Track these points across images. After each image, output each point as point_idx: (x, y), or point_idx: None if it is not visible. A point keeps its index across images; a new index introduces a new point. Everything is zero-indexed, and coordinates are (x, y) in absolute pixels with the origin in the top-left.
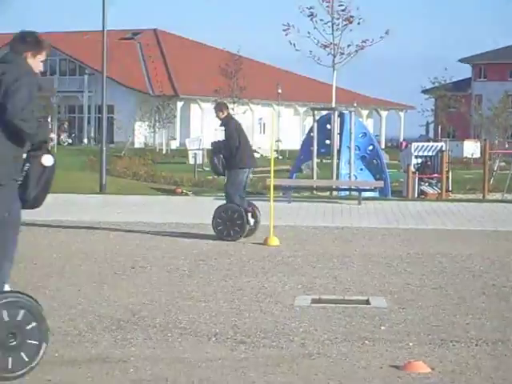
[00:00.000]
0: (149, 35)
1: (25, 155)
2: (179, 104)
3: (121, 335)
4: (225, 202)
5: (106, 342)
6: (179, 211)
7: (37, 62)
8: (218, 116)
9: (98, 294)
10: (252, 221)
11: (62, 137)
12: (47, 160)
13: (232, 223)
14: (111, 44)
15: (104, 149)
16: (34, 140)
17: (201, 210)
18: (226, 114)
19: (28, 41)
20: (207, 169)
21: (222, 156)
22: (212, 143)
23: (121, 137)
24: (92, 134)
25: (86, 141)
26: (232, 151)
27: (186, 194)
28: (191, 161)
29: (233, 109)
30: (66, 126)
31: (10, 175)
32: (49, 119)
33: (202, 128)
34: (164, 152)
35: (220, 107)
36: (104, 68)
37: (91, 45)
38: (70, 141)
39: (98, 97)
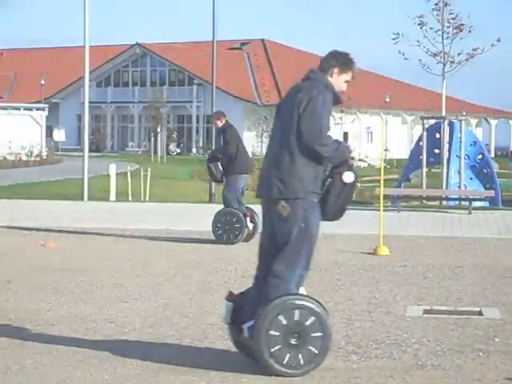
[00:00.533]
0: (256, 45)
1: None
2: None
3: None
4: (223, 206)
5: (220, 351)
6: None
7: (340, 81)
8: (215, 124)
9: (209, 302)
10: (251, 225)
11: (170, 147)
12: (348, 177)
13: (231, 227)
14: (220, 54)
15: None
16: (333, 162)
17: None
18: (223, 122)
19: (338, 58)
20: None
21: (219, 163)
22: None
23: None
24: (200, 144)
25: (194, 150)
26: (231, 157)
27: None
28: None
29: (341, 118)
30: (174, 136)
31: (307, 189)
32: (158, 129)
33: None
34: None
35: (218, 116)
36: (213, 78)
37: (200, 55)
38: (179, 150)
39: (206, 107)
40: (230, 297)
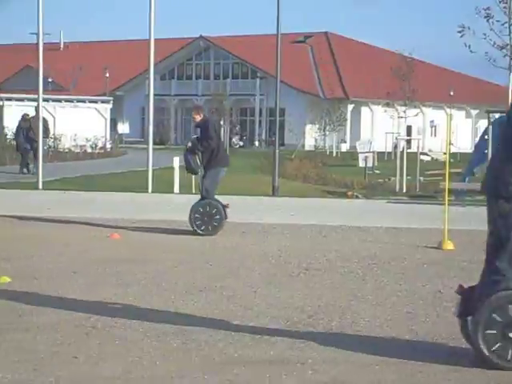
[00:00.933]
0: (320, 38)
1: None
2: (349, 107)
3: (297, 337)
4: (200, 198)
5: (283, 344)
6: (350, 214)
7: None
8: (194, 118)
9: (273, 295)
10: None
11: (233, 139)
12: None
13: (210, 218)
14: (283, 47)
15: (277, 151)
16: None
17: (372, 213)
18: (202, 116)
19: None
20: (378, 172)
21: (196, 156)
22: (190, 142)
23: (291, 139)
24: (263, 137)
25: (257, 143)
26: (213, 151)
27: (357, 197)
28: (361, 163)
29: (404, 111)
30: (237, 129)
31: None
32: (221, 122)
33: (373, 131)
34: (334, 155)
35: (197, 111)
36: (278, 72)
37: (263, 48)
38: (242, 143)
39: (269, 100)
40: (460, 289)
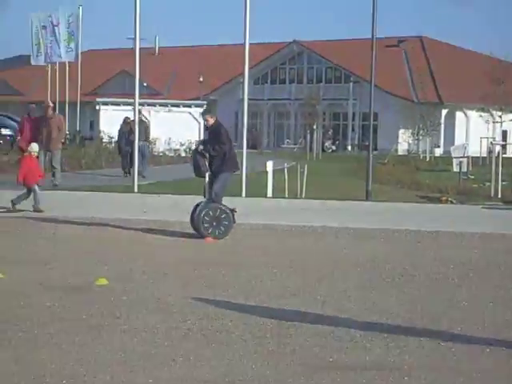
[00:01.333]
0: (414, 42)
1: None
2: (443, 111)
3: (393, 342)
4: (205, 201)
5: (378, 349)
6: (444, 219)
7: None
8: (207, 121)
9: (368, 300)
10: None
11: (326, 144)
12: None
13: (218, 223)
14: (376, 52)
15: (371, 156)
16: None
17: (466, 218)
18: (214, 119)
19: None
20: (472, 177)
21: (205, 159)
22: (200, 144)
23: (384, 144)
24: (356, 141)
25: (349, 148)
26: (225, 155)
27: (452, 202)
28: (455, 168)
29: (500, 116)
30: (330, 133)
31: None
32: (314, 126)
33: (468, 135)
34: (427, 159)
35: (211, 114)
36: (372, 76)
37: (356, 52)
38: (334, 148)
39: (362, 104)
40: None
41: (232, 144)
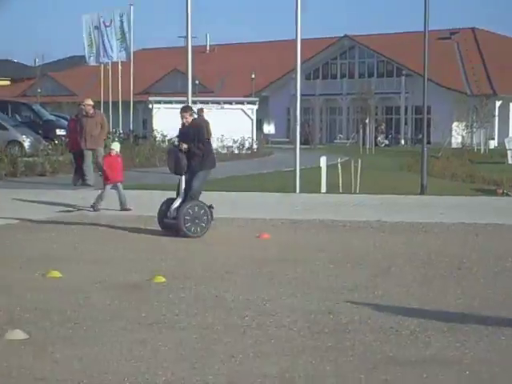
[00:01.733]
0: (466, 34)
1: None
2: (497, 103)
3: (453, 336)
4: (181, 198)
5: (438, 344)
6: (501, 212)
7: None
8: (186, 118)
9: (426, 294)
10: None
11: (379, 138)
12: None
13: (199, 220)
14: (429, 44)
15: (425, 149)
16: None
17: None
18: (192, 116)
19: None
20: None
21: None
22: (176, 141)
23: (438, 137)
24: (409, 135)
25: (402, 142)
26: (204, 153)
27: (507, 195)
28: (510, 161)
29: None
30: (383, 128)
31: None
32: (366, 121)
33: None
34: (482, 152)
35: (191, 111)
36: (425, 69)
37: (408, 46)
38: (387, 142)
39: (415, 98)
40: None
41: (210, 142)
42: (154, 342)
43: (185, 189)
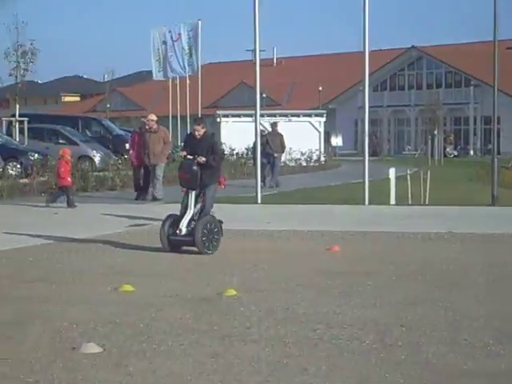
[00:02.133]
0: None
1: None
2: None
3: None
4: (190, 214)
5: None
6: None
7: None
8: (197, 131)
9: (498, 306)
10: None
11: (447, 149)
12: None
13: (213, 236)
14: (498, 54)
15: (496, 160)
16: None
17: None
18: (205, 129)
19: None
20: None
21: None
22: (191, 154)
23: (508, 147)
24: (478, 146)
25: (471, 152)
26: (218, 166)
27: None
28: None
29: None
30: (451, 139)
31: None
32: (435, 132)
33: None
34: None
35: (201, 124)
36: (495, 79)
37: (476, 56)
38: (456, 153)
39: (483, 108)
40: None
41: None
42: (226, 355)
43: (200, 204)
